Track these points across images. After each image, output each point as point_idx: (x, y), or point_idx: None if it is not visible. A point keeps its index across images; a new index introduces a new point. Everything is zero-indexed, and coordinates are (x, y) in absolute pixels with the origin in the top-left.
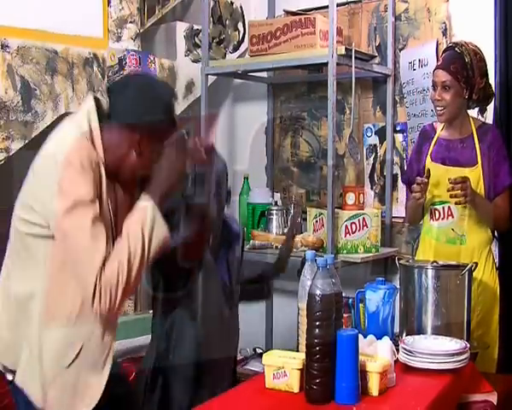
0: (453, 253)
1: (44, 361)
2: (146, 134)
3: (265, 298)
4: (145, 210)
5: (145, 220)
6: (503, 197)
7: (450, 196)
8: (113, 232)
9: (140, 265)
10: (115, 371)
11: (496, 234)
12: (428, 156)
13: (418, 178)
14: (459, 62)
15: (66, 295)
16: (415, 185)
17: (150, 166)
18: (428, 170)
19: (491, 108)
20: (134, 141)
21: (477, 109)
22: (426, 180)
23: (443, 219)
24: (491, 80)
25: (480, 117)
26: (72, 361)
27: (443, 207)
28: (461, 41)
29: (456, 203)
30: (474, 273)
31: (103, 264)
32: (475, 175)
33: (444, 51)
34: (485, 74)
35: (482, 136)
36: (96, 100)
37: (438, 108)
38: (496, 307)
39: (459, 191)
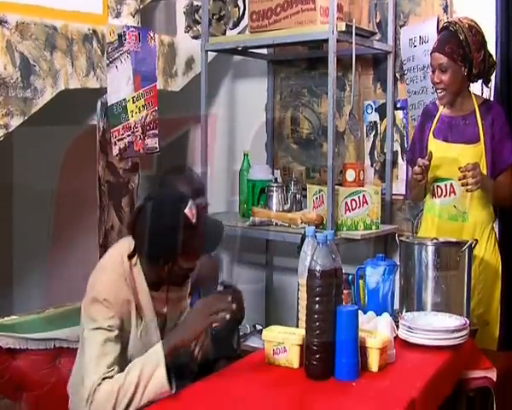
0: (455, 230)
1: None
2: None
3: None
4: (152, 356)
5: (146, 367)
6: (507, 175)
7: (462, 185)
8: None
9: (129, 403)
10: None
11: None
12: (431, 133)
13: (420, 160)
14: (454, 42)
15: None
16: (416, 167)
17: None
18: (430, 152)
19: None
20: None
21: (480, 81)
22: (427, 162)
23: (445, 196)
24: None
25: (484, 88)
26: None
27: (445, 185)
28: (455, 18)
29: (467, 191)
30: (475, 251)
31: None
32: (478, 152)
33: (439, 32)
34: (483, 47)
35: (484, 113)
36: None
37: (438, 91)
38: (497, 285)
39: (471, 179)
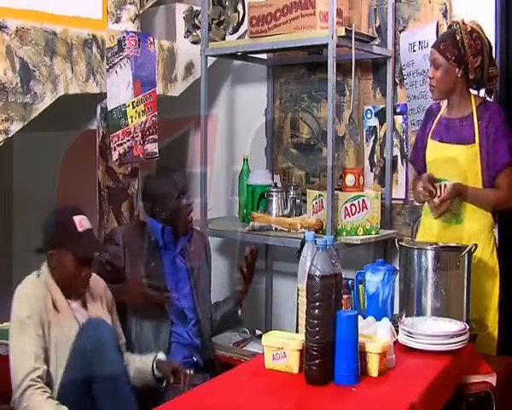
0: (450, 233)
1: None
2: None
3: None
4: None
5: None
6: (503, 177)
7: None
8: None
9: None
10: None
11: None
12: (430, 134)
13: (420, 188)
14: (450, 40)
15: None
16: (421, 189)
17: None
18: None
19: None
20: None
21: (483, 91)
22: (430, 188)
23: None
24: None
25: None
26: None
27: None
28: (460, 19)
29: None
30: (473, 256)
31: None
32: (472, 153)
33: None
34: (482, 53)
35: (482, 113)
36: None
37: (430, 86)
38: (495, 290)
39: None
